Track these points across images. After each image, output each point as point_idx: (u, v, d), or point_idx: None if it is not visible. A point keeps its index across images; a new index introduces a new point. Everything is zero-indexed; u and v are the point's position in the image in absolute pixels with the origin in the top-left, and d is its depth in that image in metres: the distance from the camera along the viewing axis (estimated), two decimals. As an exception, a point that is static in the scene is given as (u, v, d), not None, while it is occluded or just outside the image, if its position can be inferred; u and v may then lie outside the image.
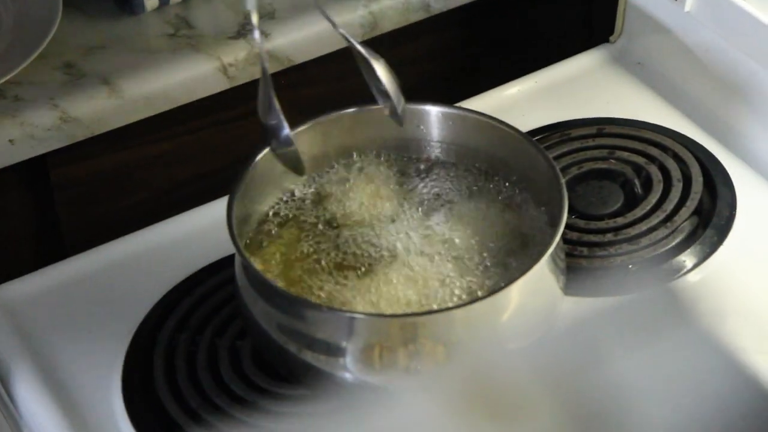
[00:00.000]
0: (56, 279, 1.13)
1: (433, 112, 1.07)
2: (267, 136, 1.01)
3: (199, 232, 1.16)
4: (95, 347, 1.05)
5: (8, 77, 1.24)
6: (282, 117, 1.00)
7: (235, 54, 1.30)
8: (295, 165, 1.03)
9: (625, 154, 1.18)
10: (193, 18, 1.34)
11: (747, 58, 1.19)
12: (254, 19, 1.00)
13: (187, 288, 1.09)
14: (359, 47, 1.00)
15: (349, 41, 1.00)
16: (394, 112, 1.03)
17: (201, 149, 1.37)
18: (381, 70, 1.01)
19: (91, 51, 1.30)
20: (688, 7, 1.23)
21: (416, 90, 1.41)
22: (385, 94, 1.02)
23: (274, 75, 1.33)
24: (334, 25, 0.99)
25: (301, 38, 1.30)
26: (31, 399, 1.02)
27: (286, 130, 1.00)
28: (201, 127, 1.36)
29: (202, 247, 1.13)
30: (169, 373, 1.01)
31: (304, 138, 1.05)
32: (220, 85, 1.31)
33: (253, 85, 1.33)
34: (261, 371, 1.00)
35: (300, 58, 1.33)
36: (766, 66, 1.18)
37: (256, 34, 1.00)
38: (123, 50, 1.30)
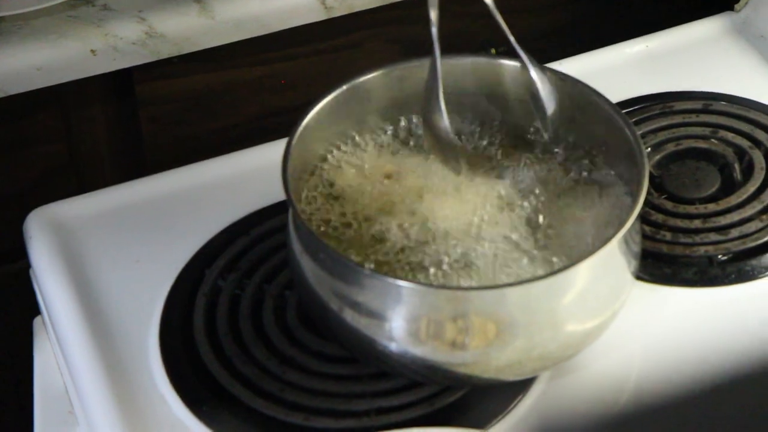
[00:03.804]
0: (119, 200, 1.10)
1: (510, 67, 0.99)
2: (426, 129, 0.96)
3: (277, 165, 1.11)
4: (142, 276, 1.01)
5: (99, -16, 1.21)
6: (446, 116, 0.94)
7: (336, -16, 1.24)
8: (453, 164, 0.97)
9: (730, 135, 1.10)
10: (302, -60, 1.28)
11: None
12: (433, 15, 0.94)
13: (246, 226, 1.04)
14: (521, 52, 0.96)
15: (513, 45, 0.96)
16: (541, 130, 0.99)
17: (294, 78, 1.32)
18: (543, 88, 0.97)
19: (189, -35, 1.25)
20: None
21: (518, 42, 1.32)
22: (541, 110, 0.97)
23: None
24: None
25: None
26: (67, 323, 0.98)
27: (449, 131, 0.95)
28: (295, 56, 1.31)
29: (275, 183, 1.08)
30: (209, 314, 0.97)
31: (381, 81, 0.99)
32: (316, 15, 1.25)
33: (351, 17, 1.27)
34: (304, 326, 0.96)
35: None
36: None
37: (434, 29, 0.94)
38: (221, -32, 1.25)
